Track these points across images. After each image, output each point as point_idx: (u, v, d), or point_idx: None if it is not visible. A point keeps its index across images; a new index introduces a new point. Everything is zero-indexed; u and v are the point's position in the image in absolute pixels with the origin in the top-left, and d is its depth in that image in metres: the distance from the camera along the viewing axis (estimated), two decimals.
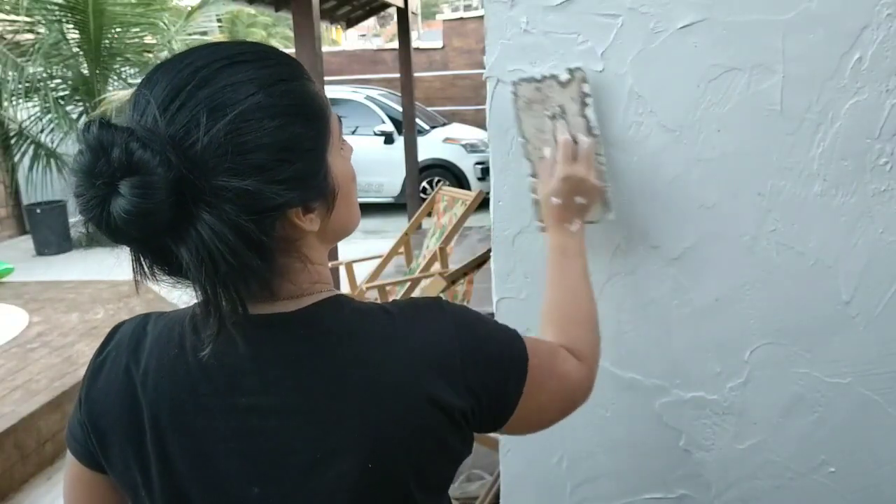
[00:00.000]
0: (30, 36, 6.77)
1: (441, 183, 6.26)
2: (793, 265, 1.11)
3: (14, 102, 6.53)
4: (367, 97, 9.10)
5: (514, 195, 1.18)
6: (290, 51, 3.64)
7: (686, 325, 1.17)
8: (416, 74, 8.34)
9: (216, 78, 0.61)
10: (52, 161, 6.73)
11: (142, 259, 0.62)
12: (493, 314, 1.25)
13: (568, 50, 1.09)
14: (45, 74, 6.69)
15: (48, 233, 6.90)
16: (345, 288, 3.85)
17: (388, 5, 7.51)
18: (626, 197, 1.13)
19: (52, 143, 6.75)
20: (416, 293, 3.16)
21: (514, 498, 1.33)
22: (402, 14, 7.52)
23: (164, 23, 7.38)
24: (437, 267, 3.26)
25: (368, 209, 8.10)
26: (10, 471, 2.85)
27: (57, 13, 6.64)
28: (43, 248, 6.88)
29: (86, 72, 6.82)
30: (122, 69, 7.12)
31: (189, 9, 7.90)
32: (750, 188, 1.09)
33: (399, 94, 8.13)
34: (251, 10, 8.77)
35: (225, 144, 0.59)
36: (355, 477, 0.65)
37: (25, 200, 7.21)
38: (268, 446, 0.66)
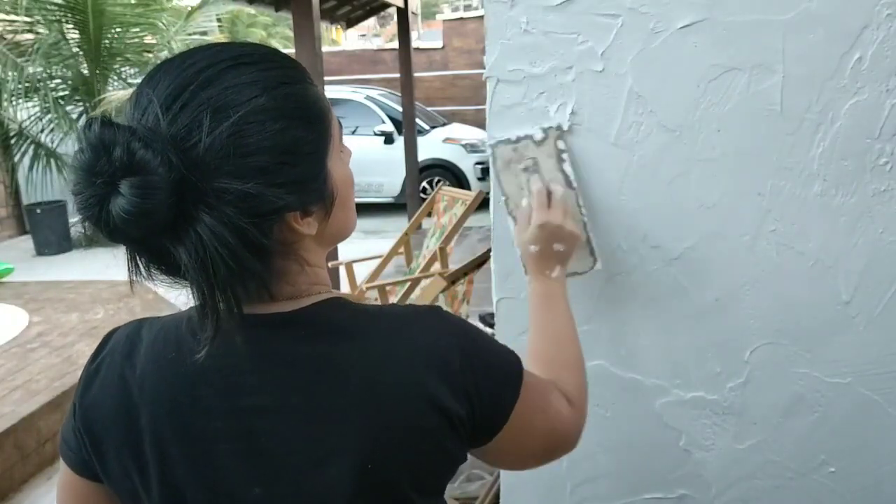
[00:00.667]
0: (29, 36, 6.75)
1: (441, 183, 6.25)
2: (793, 265, 1.11)
3: (14, 102, 6.52)
4: (367, 97, 9.09)
5: None
6: (290, 51, 3.65)
7: (686, 325, 1.17)
8: (416, 74, 8.34)
9: (219, 79, 0.61)
10: (52, 161, 6.72)
11: (138, 259, 0.62)
12: (492, 314, 1.25)
13: (568, 50, 1.09)
14: (44, 74, 6.68)
15: (48, 233, 6.89)
16: (345, 288, 3.85)
17: (388, 5, 7.51)
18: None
19: (52, 143, 6.74)
20: (416, 293, 3.16)
21: (514, 498, 1.33)
22: (402, 14, 7.53)
23: (164, 23, 7.38)
24: (437, 267, 3.26)
25: (368, 209, 8.10)
26: (10, 471, 2.85)
27: (56, 13, 6.63)
28: (43, 248, 6.87)
29: (86, 72, 6.82)
30: (122, 69, 7.12)
31: (189, 9, 7.90)
32: (750, 188, 1.09)
33: (399, 94, 8.13)
34: (251, 10, 8.76)
35: (227, 146, 0.58)
36: (355, 477, 0.65)
37: (25, 200, 7.20)
38: (268, 446, 0.66)
